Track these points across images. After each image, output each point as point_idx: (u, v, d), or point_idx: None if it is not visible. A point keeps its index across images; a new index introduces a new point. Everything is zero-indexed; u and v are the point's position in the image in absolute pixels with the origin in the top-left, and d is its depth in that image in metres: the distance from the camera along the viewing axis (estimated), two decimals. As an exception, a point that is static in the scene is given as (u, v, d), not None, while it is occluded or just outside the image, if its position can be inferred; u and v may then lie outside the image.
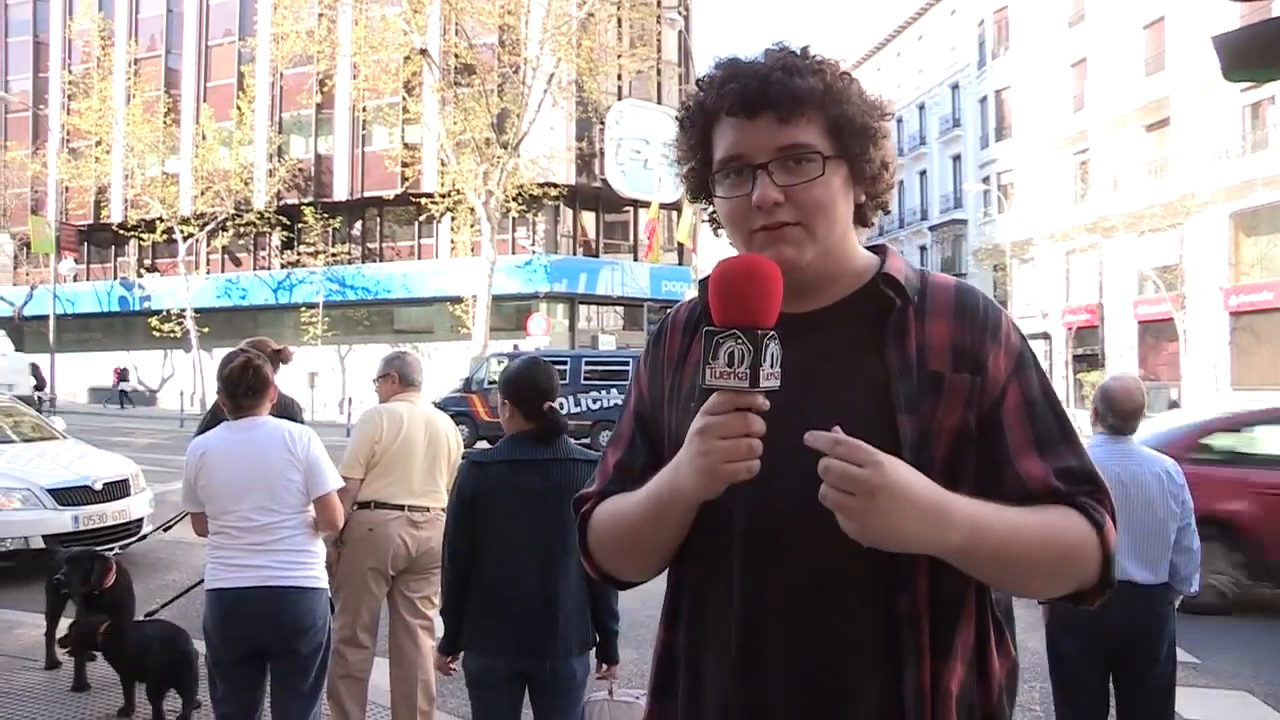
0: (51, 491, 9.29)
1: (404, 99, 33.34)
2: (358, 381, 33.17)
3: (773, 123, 1.40)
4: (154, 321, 37.45)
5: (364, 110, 36.07)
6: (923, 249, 51.72)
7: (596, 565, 1.58)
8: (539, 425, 3.53)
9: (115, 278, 42.65)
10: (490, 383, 23.63)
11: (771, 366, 1.24)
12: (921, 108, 52.40)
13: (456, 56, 30.54)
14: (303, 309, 35.55)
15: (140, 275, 41.61)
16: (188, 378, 36.97)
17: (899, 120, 54.83)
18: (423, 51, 29.15)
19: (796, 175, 1.40)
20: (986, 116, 45.61)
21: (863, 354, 1.42)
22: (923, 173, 52.42)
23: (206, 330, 36.69)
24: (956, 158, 48.69)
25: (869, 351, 1.42)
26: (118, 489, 9.88)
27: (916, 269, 1.51)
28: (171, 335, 37.14)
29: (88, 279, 42.52)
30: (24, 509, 9.09)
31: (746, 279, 1.27)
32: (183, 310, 36.40)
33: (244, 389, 3.87)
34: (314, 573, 3.92)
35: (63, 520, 9.19)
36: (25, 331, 39.28)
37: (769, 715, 1.40)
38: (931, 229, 50.24)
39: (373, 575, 4.80)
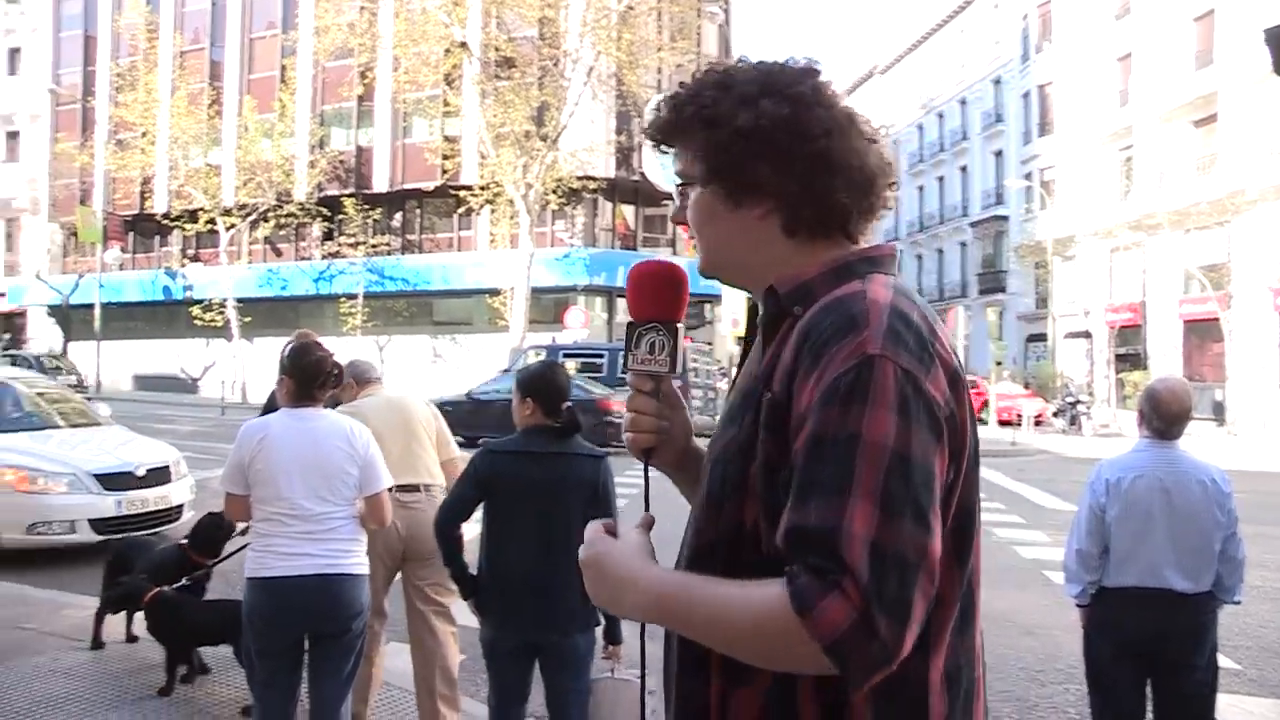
0: (97, 476, 9.42)
1: (444, 92, 33.50)
2: (396, 372, 33.40)
3: (670, 152, 1.55)
4: (196, 311, 37.87)
5: (404, 103, 36.22)
6: (963, 245, 51.28)
7: None
8: (559, 422, 3.81)
9: (159, 267, 43.14)
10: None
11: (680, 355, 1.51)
12: (963, 102, 51.91)
13: (496, 49, 30.61)
14: (342, 299, 35.81)
15: (183, 265, 42.09)
16: (228, 366, 37.38)
17: (940, 115, 54.33)
18: (463, 44, 29.25)
19: (683, 200, 1.53)
20: (1029, 111, 45.10)
21: (752, 366, 1.49)
22: (964, 168, 51.94)
23: (248, 320, 37.08)
24: (998, 153, 48.19)
25: (753, 363, 1.49)
26: (159, 475, 10.03)
27: (844, 290, 1.38)
28: (213, 325, 37.55)
29: (133, 268, 43.05)
30: (70, 493, 9.25)
31: (656, 281, 1.53)
32: (224, 300, 36.79)
33: (321, 381, 3.96)
34: (361, 560, 3.99)
35: (106, 505, 9.34)
36: (72, 320, 39.89)
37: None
38: (972, 225, 49.76)
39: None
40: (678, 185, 1.52)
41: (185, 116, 37.98)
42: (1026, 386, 37.05)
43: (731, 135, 1.43)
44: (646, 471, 1.57)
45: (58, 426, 10.80)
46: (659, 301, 1.49)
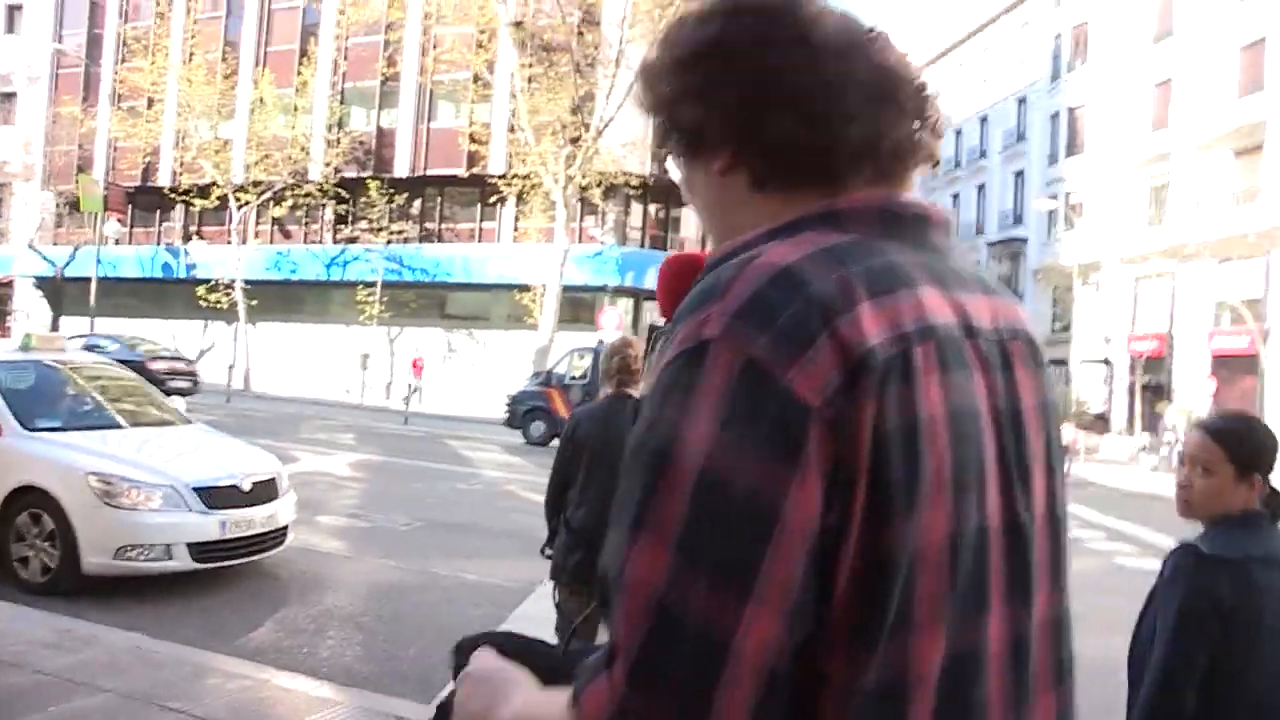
0: (198, 491, 7.70)
1: (478, 75, 32.34)
2: (405, 365, 32.21)
3: None
4: (201, 291, 36.38)
5: (436, 85, 34.93)
6: (977, 265, 50.55)
7: None
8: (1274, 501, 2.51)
9: (159, 243, 41.53)
10: (573, 378, 22.51)
11: None
12: (984, 120, 51.30)
13: (533, 36, 29.55)
14: (359, 287, 34.44)
15: (186, 242, 40.53)
16: (229, 351, 35.94)
17: (958, 132, 53.73)
18: (518, 24, 28.08)
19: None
20: (1057, 132, 44.47)
21: None
22: (981, 187, 51.35)
23: (255, 303, 35.66)
24: (1019, 174, 47.59)
25: None
26: (266, 490, 8.29)
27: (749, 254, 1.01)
28: (217, 306, 36.08)
29: (130, 243, 41.40)
30: (164, 509, 7.51)
31: (665, 275, 1.27)
32: (231, 281, 35.35)
33: None
34: None
35: (209, 526, 7.64)
36: (65, 294, 38.29)
37: None
38: (989, 245, 49.11)
39: None
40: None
41: (203, 85, 36.44)
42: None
43: (658, 73, 1.16)
44: None
45: (126, 425, 8.86)
46: (672, 298, 1.16)
